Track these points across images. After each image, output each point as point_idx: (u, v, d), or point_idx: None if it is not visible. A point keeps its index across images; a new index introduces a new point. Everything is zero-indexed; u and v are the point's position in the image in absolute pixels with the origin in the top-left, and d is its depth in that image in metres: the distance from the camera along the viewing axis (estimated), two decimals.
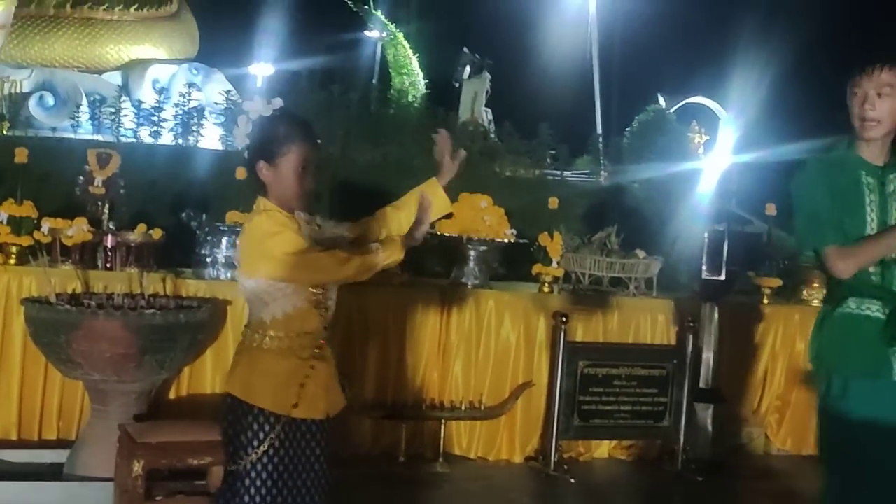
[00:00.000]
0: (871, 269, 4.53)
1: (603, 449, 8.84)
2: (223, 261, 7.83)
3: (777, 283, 9.65)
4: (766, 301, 9.54)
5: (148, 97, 12.09)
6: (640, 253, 9.23)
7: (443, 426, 8.14)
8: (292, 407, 4.14)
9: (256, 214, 4.20)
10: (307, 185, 4.23)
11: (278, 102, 4.38)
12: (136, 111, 11.81)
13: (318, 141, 4.32)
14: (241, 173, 7.51)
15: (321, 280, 4.17)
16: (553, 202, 9.28)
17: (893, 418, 4.41)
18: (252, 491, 4.11)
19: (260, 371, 4.19)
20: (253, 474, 4.12)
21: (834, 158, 4.69)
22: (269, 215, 4.15)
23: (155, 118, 11.51)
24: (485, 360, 8.41)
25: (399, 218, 4.64)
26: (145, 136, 11.52)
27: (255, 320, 4.25)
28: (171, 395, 7.51)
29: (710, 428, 8.67)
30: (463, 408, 8.25)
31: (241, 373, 4.25)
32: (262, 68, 23.40)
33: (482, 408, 8.31)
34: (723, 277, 8.57)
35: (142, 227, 7.90)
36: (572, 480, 8.08)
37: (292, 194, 4.21)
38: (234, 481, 4.16)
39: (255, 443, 4.11)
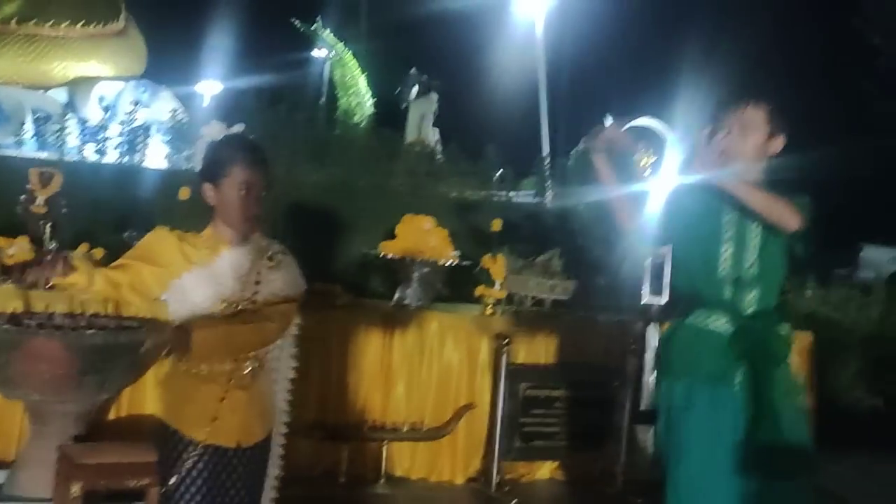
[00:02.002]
0: (725, 288, 4.73)
1: (544, 470, 8.87)
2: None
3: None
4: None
5: (93, 115, 12.03)
6: (582, 275, 9.28)
7: (384, 447, 8.13)
8: (206, 433, 4.11)
9: None
10: (252, 208, 4.19)
11: (238, 128, 4.37)
12: (81, 129, 11.74)
13: (265, 164, 4.28)
14: (184, 193, 7.50)
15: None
16: (496, 224, 9.31)
17: (729, 424, 4.66)
18: None
19: (178, 395, 4.20)
20: (177, 497, 4.12)
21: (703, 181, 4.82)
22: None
23: (100, 136, 11.44)
24: (427, 381, 8.42)
25: None
26: (90, 154, 11.45)
27: None
28: (111, 416, 7.44)
29: (650, 449, 8.72)
30: (405, 429, 8.25)
31: (164, 396, 4.29)
32: (210, 86, 23.37)
33: (424, 429, 8.31)
34: (664, 300, 8.64)
35: (84, 246, 7.84)
36: (514, 502, 8.10)
37: (237, 217, 4.18)
38: (159, 499, 4.18)
39: (176, 466, 4.11)
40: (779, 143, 4.78)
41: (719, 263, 4.76)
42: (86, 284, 3.89)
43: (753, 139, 4.70)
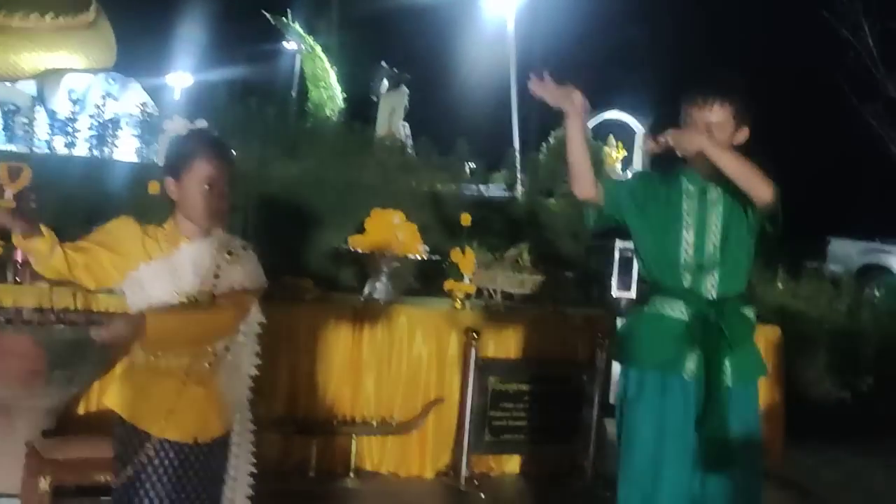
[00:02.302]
0: (685, 275, 4.78)
1: (513, 464, 8.89)
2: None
3: None
4: None
5: (63, 107, 11.98)
6: (552, 270, 9.30)
7: (354, 441, 8.13)
8: (161, 427, 4.12)
9: None
10: (215, 203, 4.19)
11: (201, 123, 4.37)
12: (50, 121, 11.69)
13: (229, 159, 4.28)
14: (153, 187, 7.48)
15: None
16: (465, 219, 9.32)
17: (679, 412, 4.74)
18: None
19: (135, 388, 4.19)
20: (132, 492, 4.14)
21: (661, 167, 4.97)
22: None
23: (70, 129, 11.39)
24: (396, 375, 8.42)
25: None
26: (60, 147, 11.40)
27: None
28: (80, 411, 7.40)
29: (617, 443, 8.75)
30: (374, 423, 8.25)
31: (121, 390, 4.27)
32: (181, 78, 23.29)
33: (394, 423, 8.32)
34: (632, 294, 8.68)
35: None
36: (483, 495, 8.13)
37: (199, 212, 4.18)
38: (116, 496, 4.20)
39: (128, 459, 4.13)
40: (744, 134, 4.80)
41: (680, 251, 4.79)
42: (46, 253, 3.90)
43: (719, 137, 4.68)
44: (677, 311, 4.79)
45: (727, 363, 4.75)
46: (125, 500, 4.15)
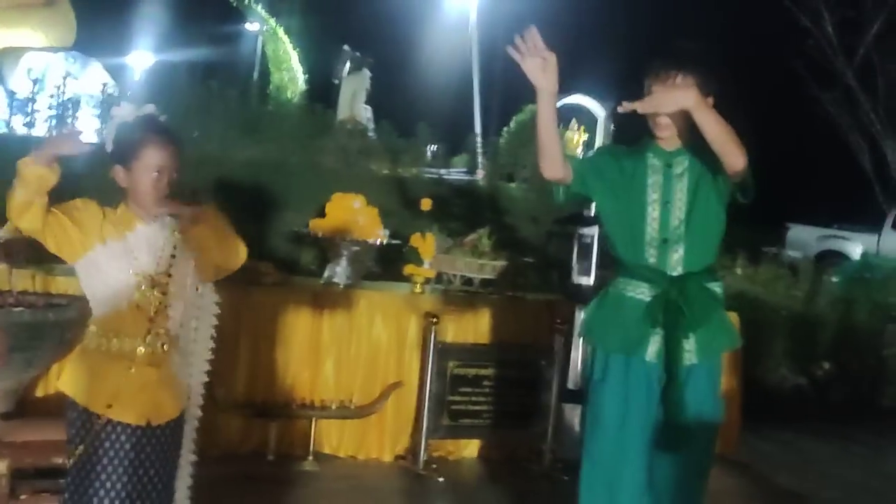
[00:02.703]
0: (649, 251, 4.79)
1: (472, 448, 8.92)
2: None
3: None
4: None
5: (22, 86, 11.89)
6: (512, 254, 9.32)
7: (313, 425, 8.14)
8: (106, 407, 4.12)
9: None
10: (164, 189, 4.19)
11: (149, 109, 4.35)
12: (9, 100, 11.60)
13: (178, 145, 4.29)
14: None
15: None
16: (426, 203, 9.32)
17: (643, 395, 4.79)
18: (89, 490, 4.12)
19: (86, 370, 4.20)
20: (78, 474, 4.15)
21: (627, 143, 4.99)
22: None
23: (29, 108, 11.30)
24: (356, 359, 8.43)
25: None
26: (19, 126, 11.31)
27: (90, 319, 4.29)
28: (39, 393, 7.38)
29: (577, 428, 8.77)
30: (333, 407, 8.26)
31: (73, 373, 4.28)
32: (141, 58, 23.13)
33: (353, 407, 8.33)
34: (592, 280, 8.70)
35: (11, 223, 7.75)
36: (441, 479, 8.15)
37: (149, 199, 4.18)
38: (72, 479, 4.19)
39: (77, 440, 4.14)
40: (708, 103, 4.68)
41: (646, 227, 4.79)
42: (36, 194, 3.98)
43: (683, 108, 4.60)
44: (639, 292, 4.82)
45: (692, 341, 4.78)
46: (78, 482, 4.15)
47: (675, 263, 4.79)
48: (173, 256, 4.29)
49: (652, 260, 4.80)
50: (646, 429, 4.80)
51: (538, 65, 4.64)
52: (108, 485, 4.12)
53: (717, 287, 4.93)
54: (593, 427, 4.95)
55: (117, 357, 4.17)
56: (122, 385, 4.15)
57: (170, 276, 4.27)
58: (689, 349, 4.77)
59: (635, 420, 4.79)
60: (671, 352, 4.75)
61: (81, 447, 4.12)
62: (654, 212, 4.79)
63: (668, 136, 4.81)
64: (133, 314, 4.19)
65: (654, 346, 4.79)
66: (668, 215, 4.78)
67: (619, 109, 4.67)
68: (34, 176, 3.96)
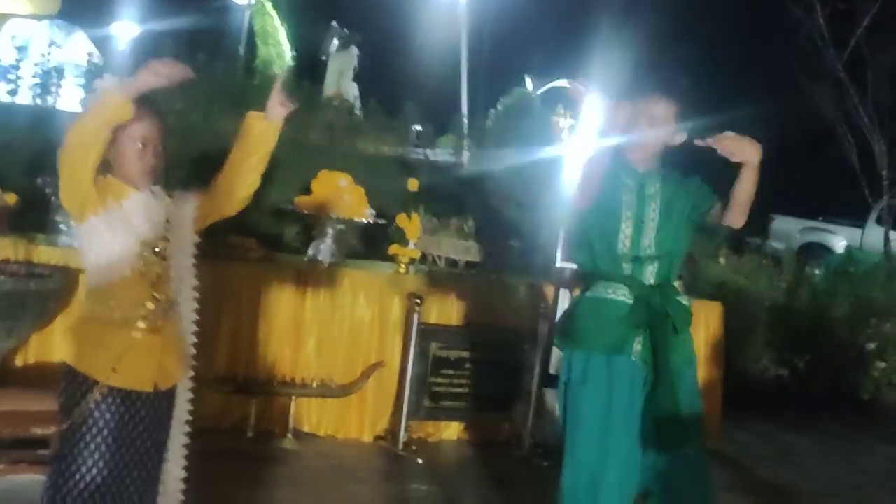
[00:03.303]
0: (624, 265, 4.87)
1: (452, 431, 8.91)
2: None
3: None
4: None
5: (5, 53, 11.76)
6: (497, 237, 9.29)
7: (293, 403, 8.11)
8: (110, 373, 4.10)
9: None
10: (149, 161, 4.18)
11: (129, 80, 4.31)
12: None
13: (161, 117, 4.25)
14: None
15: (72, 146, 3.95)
16: (413, 184, 9.28)
17: (626, 394, 4.82)
18: (70, 458, 4.10)
19: (87, 338, 4.18)
20: (72, 440, 4.11)
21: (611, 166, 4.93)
22: None
23: (13, 76, 11.17)
24: (338, 338, 8.40)
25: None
26: (2, 93, 11.19)
27: (88, 287, 4.23)
28: (19, 363, 7.32)
29: (558, 413, 8.76)
30: (314, 385, 8.22)
31: (71, 339, 4.24)
32: (126, 28, 22.95)
33: (333, 386, 8.30)
34: (577, 265, 8.67)
35: None
36: (420, 461, 8.14)
37: (134, 171, 4.15)
38: (60, 447, 4.15)
39: (77, 409, 4.10)
40: (679, 139, 4.91)
41: (618, 241, 4.87)
42: (123, 118, 3.90)
43: (660, 132, 4.84)
44: (620, 294, 4.87)
45: (672, 345, 4.84)
46: (68, 448, 4.11)
47: (650, 276, 4.91)
48: (168, 222, 4.28)
49: (627, 272, 4.90)
50: (631, 428, 4.82)
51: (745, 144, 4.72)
52: (99, 453, 4.10)
53: (685, 300, 5.04)
54: (574, 429, 4.95)
55: (120, 324, 4.15)
56: (126, 351, 4.14)
57: (167, 241, 4.28)
58: (672, 353, 4.84)
59: (619, 420, 4.80)
60: (658, 352, 4.80)
61: (75, 418, 4.08)
62: (627, 229, 4.88)
63: (638, 159, 4.92)
64: (136, 281, 4.17)
65: (638, 346, 4.83)
66: (640, 234, 4.88)
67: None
68: (116, 106, 3.86)
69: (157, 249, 4.23)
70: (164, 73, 3.90)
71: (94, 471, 4.10)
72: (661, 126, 4.83)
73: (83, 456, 4.09)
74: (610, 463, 4.79)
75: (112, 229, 4.11)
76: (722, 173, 4.87)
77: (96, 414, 4.10)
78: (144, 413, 4.23)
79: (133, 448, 4.20)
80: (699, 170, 5.01)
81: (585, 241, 5.03)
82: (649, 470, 4.90)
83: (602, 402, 4.80)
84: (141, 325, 4.18)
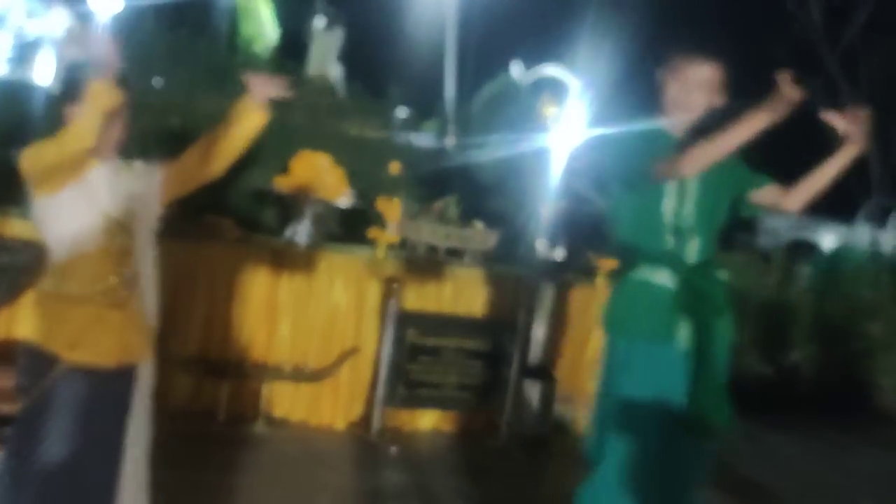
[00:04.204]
0: (667, 238, 4.74)
1: (427, 420, 8.80)
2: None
3: (614, 264, 9.66)
4: (602, 281, 9.54)
5: None
6: (478, 225, 9.17)
7: (266, 387, 7.98)
8: (72, 349, 4.05)
9: None
10: (114, 134, 4.15)
11: (96, 49, 4.27)
12: None
13: (127, 87, 4.13)
14: None
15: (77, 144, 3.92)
16: (394, 167, 9.14)
17: (670, 383, 4.66)
18: (39, 436, 4.03)
19: (49, 314, 4.13)
20: (31, 417, 4.06)
21: (645, 131, 4.81)
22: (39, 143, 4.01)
23: None
24: (313, 322, 8.28)
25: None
26: None
27: (50, 263, 4.15)
28: None
29: (536, 405, 8.68)
30: (287, 369, 8.10)
31: (33, 315, 4.19)
32: (107, 2, 22.76)
33: (307, 371, 8.18)
34: (561, 256, 8.59)
35: None
36: (394, 449, 8.04)
37: (98, 143, 4.01)
38: (21, 424, 4.09)
39: (34, 385, 4.05)
40: (719, 101, 4.77)
41: (661, 211, 4.74)
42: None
43: (704, 96, 4.72)
44: (663, 278, 4.73)
45: (716, 329, 4.70)
46: (29, 426, 4.05)
47: (692, 252, 4.77)
48: (131, 195, 4.23)
49: (670, 247, 4.75)
50: (674, 416, 4.68)
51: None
52: (60, 431, 4.03)
53: (724, 275, 4.89)
54: (620, 416, 4.78)
55: (82, 299, 4.10)
56: (88, 326, 4.10)
57: (131, 214, 4.22)
58: (714, 338, 4.69)
59: (664, 407, 4.66)
60: (701, 339, 4.66)
61: (37, 390, 4.02)
62: (669, 199, 4.74)
63: (677, 125, 4.77)
64: (100, 255, 4.12)
65: (683, 333, 4.68)
66: (681, 205, 4.75)
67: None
68: (106, 96, 3.86)
69: (120, 223, 4.17)
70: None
71: (54, 449, 4.03)
72: (705, 92, 4.72)
73: (43, 433, 4.02)
74: (654, 452, 4.68)
75: (75, 203, 4.04)
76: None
77: (58, 391, 4.04)
78: (107, 391, 4.17)
79: (95, 426, 4.13)
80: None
81: (627, 214, 4.91)
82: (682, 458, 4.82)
83: (647, 390, 4.68)
84: (103, 299, 4.13)
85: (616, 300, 4.95)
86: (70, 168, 3.96)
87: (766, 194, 4.89)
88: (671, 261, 4.74)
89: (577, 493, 4.83)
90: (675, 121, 4.77)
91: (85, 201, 4.06)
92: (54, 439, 4.02)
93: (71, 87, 4.12)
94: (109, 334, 4.15)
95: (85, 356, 4.07)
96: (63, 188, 3.99)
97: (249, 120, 4.40)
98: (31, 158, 3.98)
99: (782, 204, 4.82)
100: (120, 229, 4.17)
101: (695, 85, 4.70)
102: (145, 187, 4.31)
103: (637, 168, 4.68)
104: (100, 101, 3.83)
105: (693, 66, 4.72)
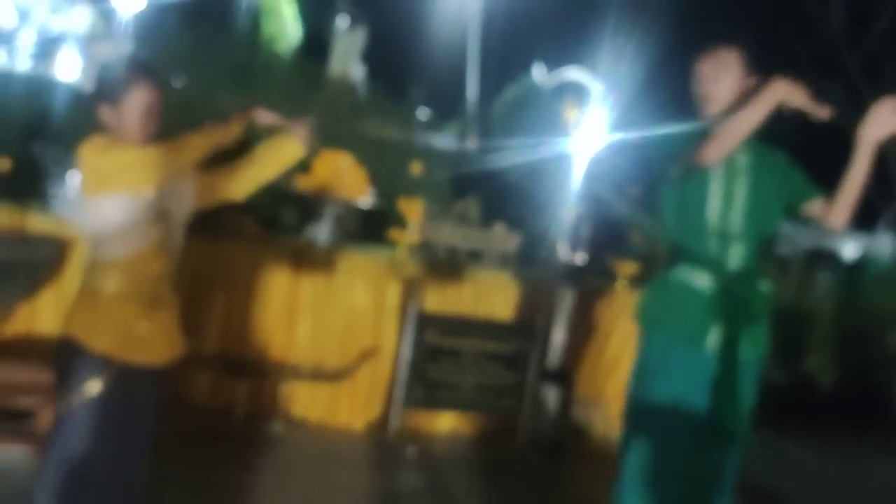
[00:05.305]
0: (710, 241, 4.73)
1: (445, 422, 8.80)
2: (72, 198, 7.56)
3: (634, 268, 9.67)
4: (621, 286, 9.54)
5: (6, 19, 11.60)
6: (499, 227, 9.17)
7: (284, 387, 7.99)
8: (128, 350, 4.09)
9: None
10: (150, 130, 4.15)
11: (128, 47, 4.38)
12: None
13: (162, 86, 4.23)
14: None
15: (179, 165, 4.12)
16: (416, 168, 9.15)
17: (697, 383, 4.69)
18: (78, 434, 4.03)
19: (98, 313, 4.12)
20: (81, 417, 4.03)
21: (691, 134, 4.79)
22: (96, 139, 4.08)
23: (13, 42, 11.05)
24: (332, 322, 8.28)
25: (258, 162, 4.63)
26: (2, 59, 11.06)
27: (96, 260, 4.16)
28: (7, 333, 7.21)
29: (553, 408, 8.67)
30: (306, 369, 8.10)
31: (78, 314, 4.16)
32: (130, 0, 22.80)
33: (326, 370, 8.18)
34: (582, 260, 8.58)
35: None
36: (411, 451, 8.02)
37: (135, 139, 4.11)
38: (63, 424, 4.07)
39: (85, 385, 4.04)
40: (753, 81, 4.75)
41: (706, 214, 4.74)
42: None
43: (728, 81, 4.72)
44: (703, 281, 4.74)
45: (749, 337, 4.71)
46: (74, 425, 4.04)
47: (734, 258, 4.74)
48: (169, 195, 4.25)
49: (713, 251, 4.75)
50: (699, 420, 4.70)
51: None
52: (108, 429, 4.08)
53: (767, 286, 4.86)
54: (646, 412, 4.83)
55: (132, 298, 4.15)
56: (142, 327, 4.15)
57: (170, 214, 4.28)
58: (745, 345, 4.70)
59: (690, 409, 4.68)
60: (731, 343, 4.67)
61: (82, 389, 4.03)
62: (714, 202, 4.74)
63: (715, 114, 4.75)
64: (153, 254, 4.20)
65: (714, 337, 4.69)
66: (728, 208, 4.74)
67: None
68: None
69: (163, 222, 4.22)
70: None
71: (105, 448, 4.08)
72: (727, 76, 4.73)
73: (94, 434, 4.06)
74: (677, 452, 4.73)
75: (123, 202, 4.08)
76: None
77: (109, 391, 4.07)
78: (147, 388, 4.23)
79: (136, 424, 4.21)
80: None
81: (671, 214, 4.91)
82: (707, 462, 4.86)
83: (674, 390, 4.71)
84: (148, 297, 4.18)
85: (653, 297, 4.98)
86: (129, 178, 4.02)
87: (814, 207, 4.86)
88: (712, 264, 4.74)
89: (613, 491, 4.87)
90: (710, 116, 4.77)
91: (132, 200, 4.08)
92: (103, 438, 4.06)
93: (106, 86, 4.14)
94: (160, 333, 4.22)
95: (139, 356, 4.13)
96: (118, 192, 4.04)
97: (288, 150, 4.58)
98: (91, 158, 4.04)
99: (827, 221, 4.77)
100: (163, 228, 4.21)
101: (711, 74, 4.74)
102: (178, 188, 4.33)
103: (677, 165, 4.72)
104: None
105: (703, 57, 4.78)
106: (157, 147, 4.04)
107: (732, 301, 4.67)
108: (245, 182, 4.58)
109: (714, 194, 4.71)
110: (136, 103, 4.09)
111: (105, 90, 4.15)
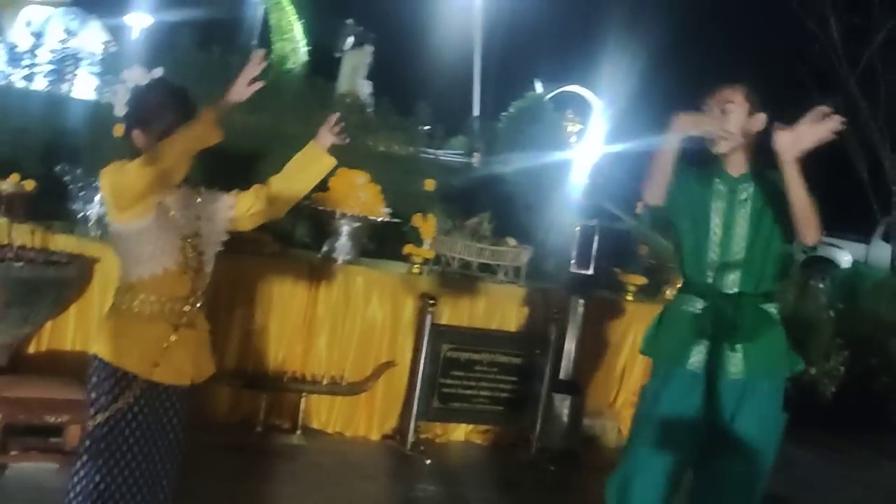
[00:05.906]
0: (709, 272, 4.87)
1: (460, 432, 8.94)
2: (95, 218, 7.67)
3: (642, 280, 9.80)
4: (629, 297, 9.68)
5: (21, 40, 11.73)
6: (511, 241, 9.29)
7: (303, 399, 8.11)
8: (153, 368, 4.14)
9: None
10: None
11: (158, 72, 4.43)
12: (9, 54, 11.44)
13: (194, 110, 4.26)
14: (118, 130, 7.38)
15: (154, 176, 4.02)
16: (430, 184, 9.28)
17: (682, 401, 4.85)
18: (107, 452, 4.10)
19: (125, 333, 4.18)
20: (109, 434, 4.10)
21: (698, 168, 5.01)
22: (119, 161, 4.10)
23: (29, 62, 11.14)
24: (350, 336, 8.41)
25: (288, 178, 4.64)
26: (18, 80, 11.16)
27: (124, 281, 4.24)
28: (32, 350, 7.32)
29: (565, 418, 8.77)
30: (324, 382, 8.22)
31: (106, 333, 4.22)
32: (140, 18, 22.91)
33: (343, 383, 8.30)
34: (590, 272, 8.67)
35: (15, 176, 7.68)
36: (427, 461, 8.14)
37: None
38: (91, 441, 4.14)
39: (113, 403, 4.11)
40: (760, 119, 4.85)
41: (708, 250, 4.89)
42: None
43: (734, 119, 4.81)
44: (692, 306, 4.91)
45: (738, 355, 4.80)
46: (105, 443, 4.12)
47: (731, 283, 4.87)
48: (199, 218, 4.33)
49: (710, 280, 4.89)
50: (687, 435, 4.84)
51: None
52: (138, 447, 4.15)
53: (771, 308, 4.95)
54: (637, 431, 5.05)
55: (161, 318, 4.19)
56: (168, 345, 4.18)
57: (199, 236, 4.32)
58: (736, 364, 4.80)
59: (673, 427, 4.82)
60: (717, 363, 4.79)
61: (114, 408, 4.10)
62: (716, 236, 4.88)
63: (723, 151, 4.89)
64: (178, 275, 4.23)
65: (697, 356, 4.83)
66: (730, 241, 4.87)
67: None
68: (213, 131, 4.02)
69: (194, 244, 4.27)
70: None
71: (133, 465, 4.14)
72: (734, 114, 4.82)
73: (122, 451, 4.12)
74: (637, 473, 4.88)
75: (158, 224, 4.15)
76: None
77: (135, 409, 4.13)
78: (178, 407, 4.29)
79: (166, 441, 4.26)
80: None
81: (681, 247, 5.06)
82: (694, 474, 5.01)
83: (662, 408, 4.87)
84: (178, 318, 4.22)
85: (654, 326, 5.15)
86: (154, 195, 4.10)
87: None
88: (707, 292, 4.88)
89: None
90: (715, 152, 4.92)
91: (165, 222, 4.17)
92: (133, 456, 4.13)
93: (139, 110, 4.25)
94: (186, 354, 4.25)
95: (164, 376, 4.18)
96: (147, 217, 4.11)
97: (320, 164, 4.61)
98: (114, 180, 4.07)
99: (799, 238, 4.74)
100: (193, 250, 4.27)
101: (718, 112, 4.83)
102: (211, 210, 4.41)
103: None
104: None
105: (712, 96, 4.89)
106: (131, 161, 4.03)
107: (719, 320, 4.79)
108: (282, 200, 4.60)
109: (715, 231, 4.88)
110: (169, 130, 4.09)
111: (138, 115, 4.25)
